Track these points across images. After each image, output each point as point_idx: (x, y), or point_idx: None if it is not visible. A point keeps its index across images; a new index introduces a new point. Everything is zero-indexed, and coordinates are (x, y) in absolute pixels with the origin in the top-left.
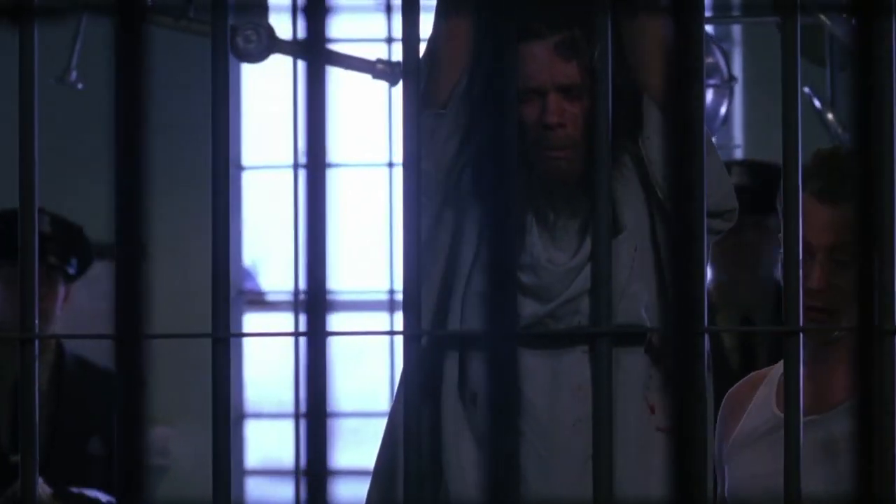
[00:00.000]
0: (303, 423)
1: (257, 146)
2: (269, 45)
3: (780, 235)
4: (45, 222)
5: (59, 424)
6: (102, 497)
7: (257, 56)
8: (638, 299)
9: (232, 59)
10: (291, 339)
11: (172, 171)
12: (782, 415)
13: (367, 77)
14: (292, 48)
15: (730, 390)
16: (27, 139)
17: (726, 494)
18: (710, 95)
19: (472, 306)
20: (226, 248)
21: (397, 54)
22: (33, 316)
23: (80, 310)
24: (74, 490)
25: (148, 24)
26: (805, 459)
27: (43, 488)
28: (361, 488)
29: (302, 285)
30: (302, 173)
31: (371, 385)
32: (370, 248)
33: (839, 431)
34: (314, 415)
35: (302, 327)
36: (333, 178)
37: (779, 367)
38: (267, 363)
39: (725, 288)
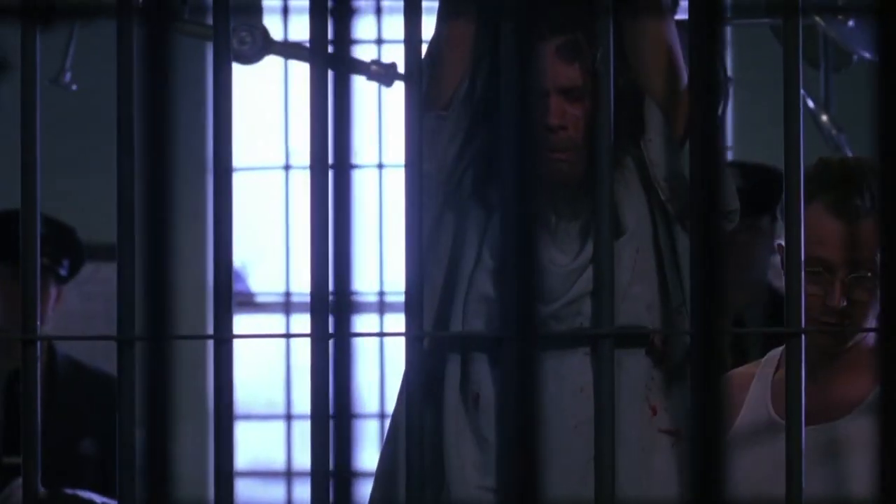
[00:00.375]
0: (331, 424)
1: (246, 148)
2: (263, 46)
3: (779, 238)
4: None
5: (52, 426)
6: (97, 498)
7: (252, 57)
8: (640, 301)
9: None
10: (283, 341)
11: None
12: (779, 418)
13: (362, 79)
14: (286, 50)
15: None
16: (29, 141)
17: None
18: None
19: (474, 308)
20: (229, 251)
21: (391, 56)
22: (35, 317)
23: (70, 311)
24: (69, 491)
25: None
26: (807, 463)
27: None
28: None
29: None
30: (330, 175)
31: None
32: (360, 250)
33: (844, 436)
34: (341, 416)
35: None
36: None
37: (768, 366)
38: (256, 365)
39: None
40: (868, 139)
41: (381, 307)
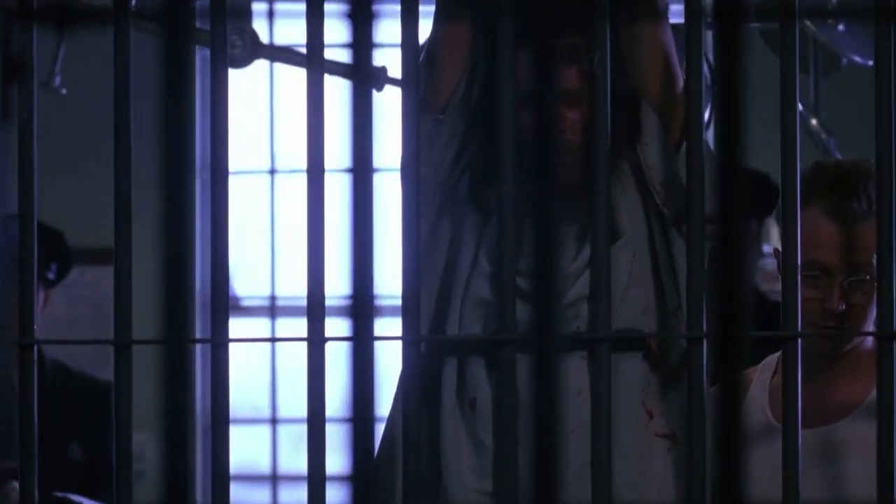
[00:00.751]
0: (348, 428)
1: (231, 151)
2: (252, 50)
3: (775, 243)
4: None
5: (40, 430)
6: (87, 502)
7: (241, 61)
8: (636, 305)
9: (205, 65)
10: (267, 345)
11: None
12: (776, 421)
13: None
14: (276, 53)
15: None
16: (26, 145)
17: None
18: None
19: (471, 312)
20: (225, 256)
21: (381, 60)
22: (31, 321)
23: (56, 314)
24: (59, 495)
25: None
26: (804, 465)
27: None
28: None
29: (323, 291)
30: (348, 179)
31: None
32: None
33: (841, 439)
34: (359, 420)
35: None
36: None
37: (766, 371)
38: (241, 368)
39: None
40: (858, 142)
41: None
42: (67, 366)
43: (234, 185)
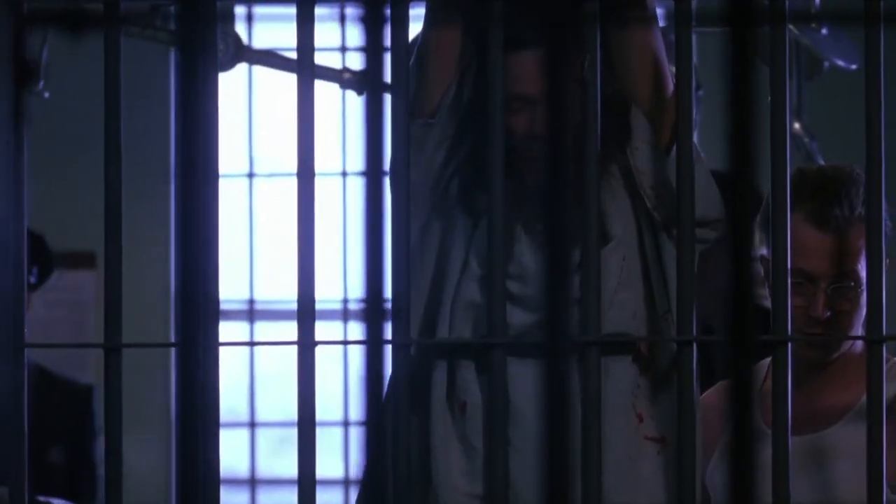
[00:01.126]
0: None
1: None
2: (235, 53)
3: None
4: None
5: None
6: None
7: (224, 65)
8: (626, 308)
9: (171, 69)
10: (246, 349)
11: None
12: (766, 427)
13: (335, 86)
14: (259, 57)
15: (703, 400)
16: (18, 150)
17: None
18: None
19: (461, 315)
20: (216, 259)
21: (358, 63)
22: (22, 325)
23: (34, 318)
24: (42, 498)
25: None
26: (794, 471)
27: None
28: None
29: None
30: (361, 183)
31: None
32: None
33: (831, 445)
34: (371, 423)
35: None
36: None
37: (757, 377)
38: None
39: None
40: (840, 146)
41: (346, 315)
42: (48, 370)
43: (221, 189)
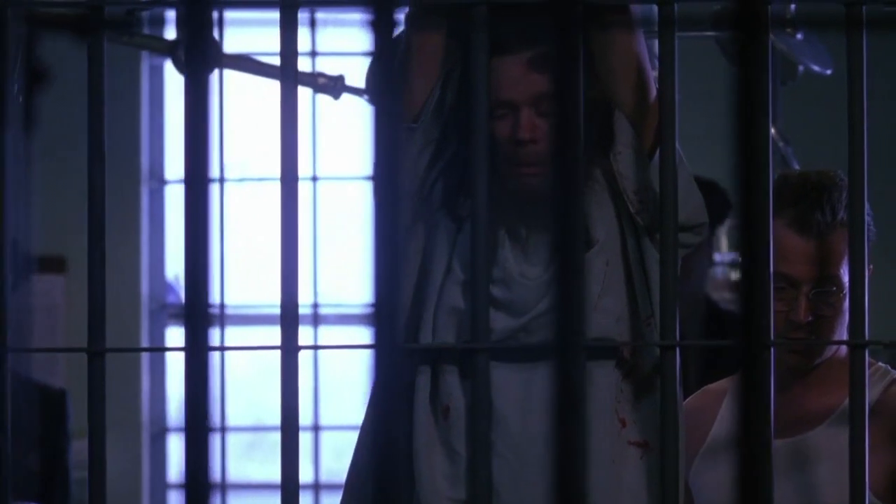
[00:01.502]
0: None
1: (180, 161)
2: (213, 59)
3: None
4: None
5: None
6: None
7: None
8: (609, 313)
9: (153, 73)
10: (218, 354)
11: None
12: None
13: (308, 91)
14: (236, 62)
15: (685, 405)
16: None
17: None
18: None
19: (444, 320)
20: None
21: (338, 68)
22: (4, 329)
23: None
24: None
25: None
26: (777, 474)
27: None
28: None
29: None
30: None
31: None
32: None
33: (814, 448)
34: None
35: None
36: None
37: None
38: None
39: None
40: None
41: (316, 320)
42: (19, 373)
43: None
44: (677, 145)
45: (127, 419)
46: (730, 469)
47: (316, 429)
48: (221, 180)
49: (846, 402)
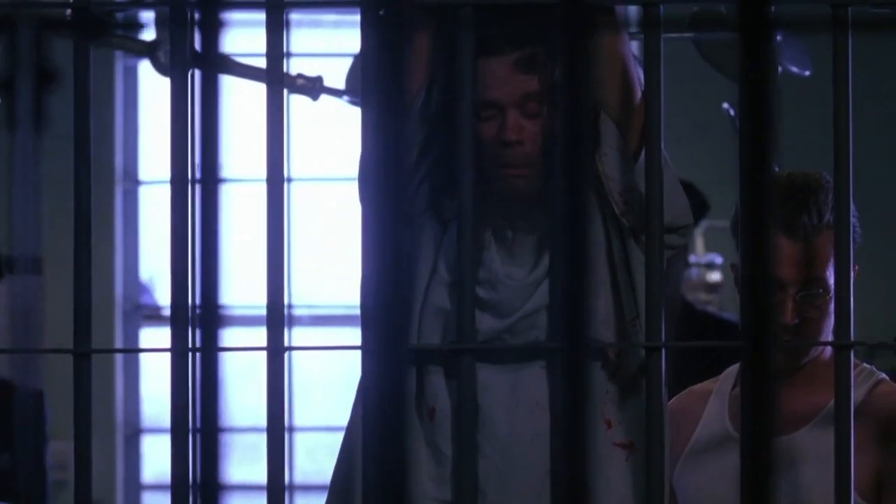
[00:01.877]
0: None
1: (155, 161)
2: (192, 59)
3: (701, 253)
4: None
5: None
6: None
7: None
8: (595, 315)
9: (127, 74)
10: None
11: (61, 182)
12: (736, 432)
13: (285, 91)
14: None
15: (670, 406)
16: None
17: None
18: None
19: (430, 321)
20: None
21: (310, 69)
22: None
23: None
24: None
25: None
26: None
27: None
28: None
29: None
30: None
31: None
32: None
33: (800, 448)
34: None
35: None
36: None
37: (726, 382)
38: (163, 378)
39: None
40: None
41: (291, 321)
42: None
43: (156, 195)
44: (662, 147)
45: (101, 420)
46: (714, 470)
47: (290, 430)
48: (193, 181)
49: (832, 402)
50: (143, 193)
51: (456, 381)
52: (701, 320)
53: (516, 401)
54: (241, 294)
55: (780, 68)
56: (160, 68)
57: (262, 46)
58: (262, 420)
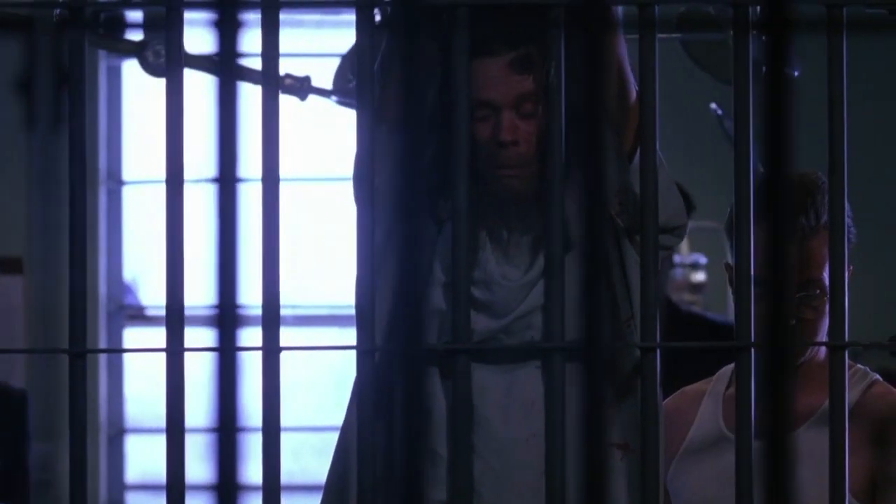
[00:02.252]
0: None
1: (135, 161)
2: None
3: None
4: None
5: None
6: None
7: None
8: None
9: (110, 74)
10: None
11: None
12: (729, 432)
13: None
14: (203, 63)
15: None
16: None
17: None
18: None
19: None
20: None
21: (298, 69)
22: None
23: None
24: None
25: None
26: (757, 475)
27: None
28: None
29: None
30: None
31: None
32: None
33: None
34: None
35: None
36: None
37: (720, 382)
38: (147, 379)
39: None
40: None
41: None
42: None
43: (139, 195)
44: (657, 147)
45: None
46: (709, 470)
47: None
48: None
49: (825, 403)
50: (127, 194)
51: (451, 382)
52: (686, 320)
53: (511, 401)
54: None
55: (765, 69)
56: (148, 69)
57: (249, 47)
58: (248, 420)
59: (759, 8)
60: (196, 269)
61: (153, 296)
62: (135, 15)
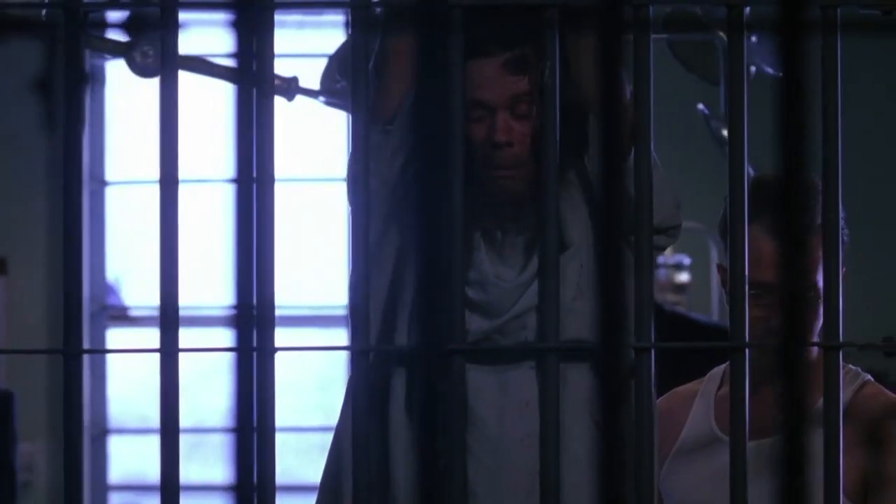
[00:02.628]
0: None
1: (120, 161)
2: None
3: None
4: None
5: None
6: None
7: (156, 71)
8: (584, 316)
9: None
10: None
11: (35, 180)
12: (721, 433)
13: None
14: (191, 64)
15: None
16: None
17: None
18: None
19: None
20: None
21: (285, 70)
22: None
23: None
24: None
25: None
26: (750, 476)
27: None
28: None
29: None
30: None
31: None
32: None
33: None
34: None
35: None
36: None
37: (711, 383)
38: (130, 379)
39: None
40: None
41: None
42: None
43: (122, 195)
44: (651, 148)
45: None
46: (701, 471)
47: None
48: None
49: (820, 404)
50: (110, 194)
51: (446, 382)
52: (670, 321)
53: (506, 401)
54: (208, 295)
55: (753, 69)
56: (136, 69)
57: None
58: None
59: (763, 10)
60: (188, 269)
61: (136, 296)
62: (118, 15)
